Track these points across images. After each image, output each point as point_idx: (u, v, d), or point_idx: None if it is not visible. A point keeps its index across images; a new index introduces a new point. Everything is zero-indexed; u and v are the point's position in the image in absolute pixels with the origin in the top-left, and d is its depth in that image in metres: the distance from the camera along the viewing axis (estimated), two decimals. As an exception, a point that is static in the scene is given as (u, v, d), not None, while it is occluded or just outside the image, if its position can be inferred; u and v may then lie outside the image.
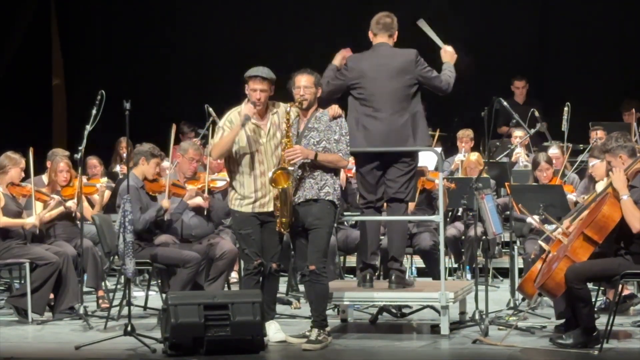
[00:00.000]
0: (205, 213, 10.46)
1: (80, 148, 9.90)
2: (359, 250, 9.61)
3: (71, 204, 10.51)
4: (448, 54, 9.34)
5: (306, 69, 8.59)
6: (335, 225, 9.45)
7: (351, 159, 9.31)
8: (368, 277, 9.16)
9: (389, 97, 9.00)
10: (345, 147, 8.49)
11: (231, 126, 8.56)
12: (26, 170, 10.50)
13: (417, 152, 9.26)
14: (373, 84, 9.02)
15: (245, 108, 8.63)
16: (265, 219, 8.67)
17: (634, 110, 13.85)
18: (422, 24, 9.46)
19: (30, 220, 10.22)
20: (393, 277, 9.17)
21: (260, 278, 8.64)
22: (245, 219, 8.65)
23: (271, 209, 8.61)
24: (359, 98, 9.07)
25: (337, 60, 9.13)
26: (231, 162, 8.71)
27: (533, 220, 9.80)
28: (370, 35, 9.22)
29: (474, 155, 12.48)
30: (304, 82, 8.50)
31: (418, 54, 9.11)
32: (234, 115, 8.65)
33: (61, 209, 10.49)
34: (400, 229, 9.33)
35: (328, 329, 8.49)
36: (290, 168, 8.41)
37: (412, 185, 9.25)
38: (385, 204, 9.24)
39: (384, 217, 9.27)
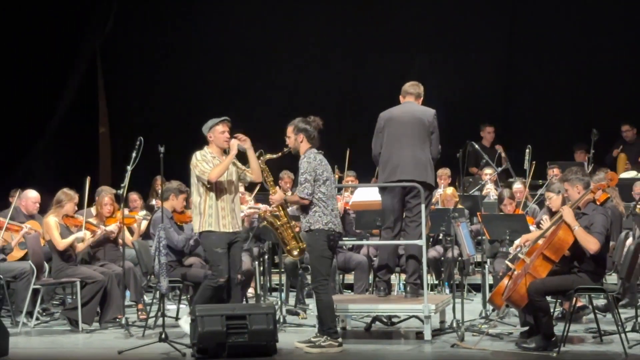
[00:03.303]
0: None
1: (122, 185, 9.91)
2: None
3: (113, 227, 10.52)
4: None
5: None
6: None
7: (346, 193, 9.31)
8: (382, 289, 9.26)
9: None
10: (301, 187, 8.35)
11: (201, 159, 8.63)
12: (81, 197, 10.55)
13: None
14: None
15: (232, 144, 8.68)
16: (233, 238, 8.73)
17: (584, 152, 13.90)
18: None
19: (80, 235, 10.25)
20: (408, 289, 9.27)
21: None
22: (222, 238, 8.65)
23: (236, 229, 8.73)
24: None
25: None
26: (212, 187, 8.68)
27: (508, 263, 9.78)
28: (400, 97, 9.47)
29: (450, 190, 12.46)
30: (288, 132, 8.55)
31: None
32: (202, 154, 8.70)
33: (103, 232, 10.52)
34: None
35: (340, 339, 8.37)
36: (275, 213, 8.69)
37: None
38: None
39: (373, 242, 9.28)
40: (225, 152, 8.83)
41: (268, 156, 8.79)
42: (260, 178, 8.97)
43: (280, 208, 8.75)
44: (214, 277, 8.61)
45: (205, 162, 8.66)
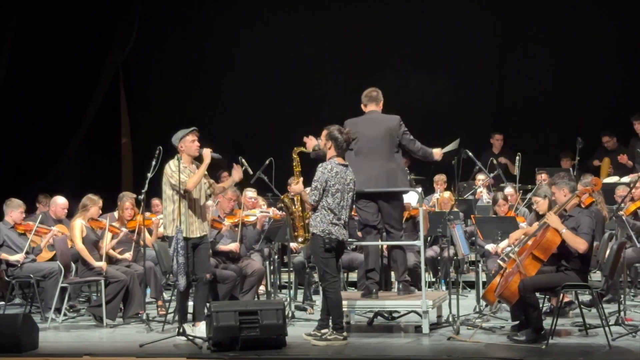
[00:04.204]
0: (240, 240, 10.44)
1: (143, 191, 9.90)
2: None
3: (127, 256, 10.57)
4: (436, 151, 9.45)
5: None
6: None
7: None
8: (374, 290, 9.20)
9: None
10: (310, 193, 8.33)
11: (175, 170, 8.65)
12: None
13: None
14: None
15: (206, 152, 8.74)
16: (199, 241, 8.77)
17: (569, 159, 13.89)
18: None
19: (99, 264, 10.15)
20: (401, 286, 9.24)
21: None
22: (192, 243, 8.68)
23: (203, 233, 8.80)
24: None
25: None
26: (185, 195, 8.69)
27: (490, 247, 9.79)
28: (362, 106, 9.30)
29: (447, 194, 12.45)
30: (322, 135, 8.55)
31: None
32: (175, 164, 8.70)
33: (125, 234, 10.52)
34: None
35: (345, 333, 8.36)
36: (292, 197, 8.70)
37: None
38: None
39: (379, 242, 9.24)
40: (196, 159, 8.88)
41: (302, 148, 8.75)
42: (221, 193, 9.40)
43: (299, 198, 8.69)
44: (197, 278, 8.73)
45: (183, 173, 8.70)
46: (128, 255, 10.53)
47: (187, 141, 8.81)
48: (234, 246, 10.31)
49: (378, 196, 9.07)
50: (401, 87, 14.92)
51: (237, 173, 9.04)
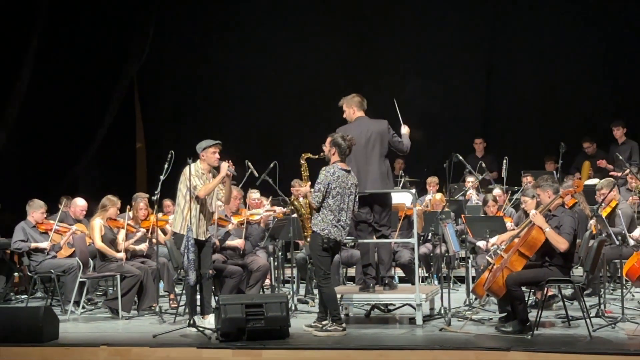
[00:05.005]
0: (245, 238, 10.43)
1: (156, 192, 9.90)
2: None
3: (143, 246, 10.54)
4: (406, 129, 9.35)
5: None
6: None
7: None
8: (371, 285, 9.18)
9: None
10: (313, 194, 8.32)
11: (195, 173, 8.68)
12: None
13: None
14: None
15: (223, 166, 8.75)
16: (203, 242, 8.81)
17: (553, 162, 13.88)
18: (395, 103, 9.48)
19: (120, 255, 10.19)
20: (387, 282, 9.21)
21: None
22: (198, 244, 8.68)
23: (207, 235, 8.87)
24: None
25: None
26: (197, 199, 8.70)
27: (481, 244, 9.78)
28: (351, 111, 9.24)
29: (439, 195, 12.44)
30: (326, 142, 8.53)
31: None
32: (195, 169, 8.72)
33: (142, 235, 10.50)
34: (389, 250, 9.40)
35: (344, 324, 8.36)
36: (301, 200, 8.65)
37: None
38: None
39: (376, 240, 9.22)
40: (214, 169, 8.90)
41: (309, 154, 8.73)
42: (229, 203, 9.41)
43: (307, 201, 8.62)
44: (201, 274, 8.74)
45: (198, 178, 8.74)
46: (144, 247, 10.51)
47: (209, 152, 8.85)
48: (239, 242, 10.31)
49: (370, 196, 9.06)
50: (398, 93, 14.90)
51: (223, 169, 8.90)
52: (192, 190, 8.66)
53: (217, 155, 8.85)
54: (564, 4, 15.27)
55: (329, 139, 8.48)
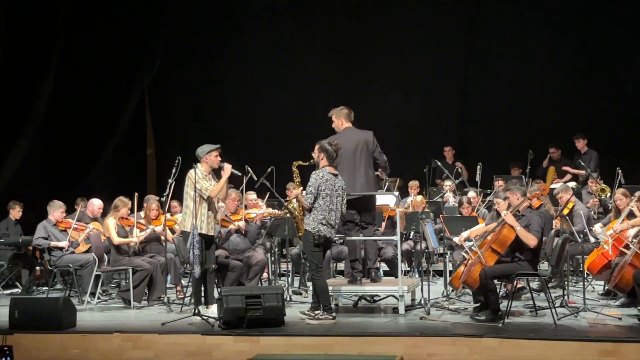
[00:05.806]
0: (244, 235, 10.48)
1: (165, 194, 9.94)
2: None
3: (159, 229, 10.56)
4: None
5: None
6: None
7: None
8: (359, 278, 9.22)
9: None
10: (305, 196, 8.37)
11: (201, 176, 8.70)
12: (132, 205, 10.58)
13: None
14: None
15: (227, 167, 8.77)
16: (209, 238, 8.81)
17: (517, 167, 14.01)
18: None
19: (134, 240, 10.29)
20: (373, 274, 9.24)
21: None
22: (206, 239, 8.72)
23: (213, 232, 8.84)
24: None
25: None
26: (206, 199, 8.73)
27: (456, 239, 9.85)
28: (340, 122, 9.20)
29: (420, 197, 12.49)
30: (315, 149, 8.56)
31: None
32: (200, 172, 8.74)
33: (150, 232, 10.54)
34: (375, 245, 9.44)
35: (334, 313, 8.41)
36: (295, 203, 8.71)
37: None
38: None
39: (362, 238, 9.26)
40: (213, 171, 8.92)
41: (300, 162, 8.77)
42: (225, 199, 9.47)
43: (300, 204, 8.61)
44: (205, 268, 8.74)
45: (205, 180, 8.76)
46: (159, 229, 10.49)
47: (212, 155, 8.86)
48: (241, 224, 10.38)
49: (357, 199, 9.10)
50: (381, 103, 14.98)
51: (228, 169, 8.92)
52: (204, 191, 8.70)
53: (219, 158, 8.88)
54: (539, 17, 15.28)
55: (317, 146, 8.51)
